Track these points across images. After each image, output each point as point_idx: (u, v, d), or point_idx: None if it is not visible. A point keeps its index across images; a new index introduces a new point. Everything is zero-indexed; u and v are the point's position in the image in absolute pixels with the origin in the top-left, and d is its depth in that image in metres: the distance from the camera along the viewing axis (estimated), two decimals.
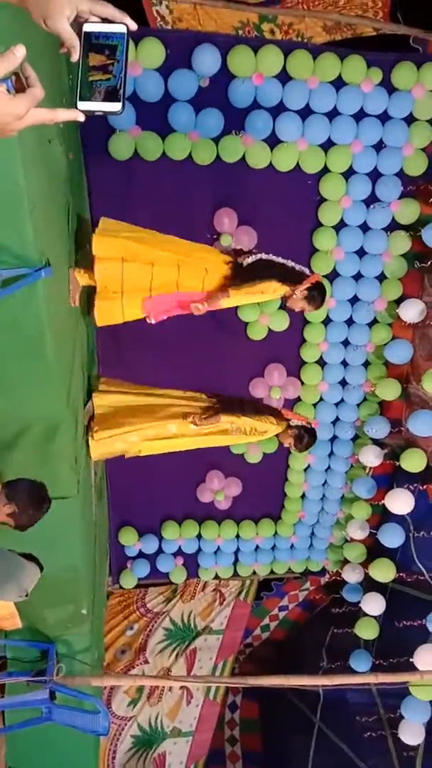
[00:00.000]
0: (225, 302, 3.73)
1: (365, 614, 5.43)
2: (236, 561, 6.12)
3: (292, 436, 4.16)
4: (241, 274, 3.64)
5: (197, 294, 3.71)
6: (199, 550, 5.91)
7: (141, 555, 5.78)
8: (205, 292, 3.69)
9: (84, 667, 4.06)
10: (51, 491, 3.33)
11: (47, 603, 3.83)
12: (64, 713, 3.84)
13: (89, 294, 3.71)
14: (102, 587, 5.21)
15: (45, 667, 3.85)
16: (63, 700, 3.83)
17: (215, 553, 5.97)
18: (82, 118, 1.10)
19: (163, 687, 6.09)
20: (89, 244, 3.52)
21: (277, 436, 4.21)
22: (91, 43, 1.08)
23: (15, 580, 3.00)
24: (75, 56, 1.05)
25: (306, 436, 4.19)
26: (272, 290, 3.71)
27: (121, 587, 5.92)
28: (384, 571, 5.18)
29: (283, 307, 4.93)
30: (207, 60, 4.12)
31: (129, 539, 5.65)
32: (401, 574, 5.13)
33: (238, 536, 5.90)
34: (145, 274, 3.60)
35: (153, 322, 3.80)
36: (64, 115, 1.08)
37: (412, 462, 4.91)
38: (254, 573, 6.31)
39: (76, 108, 1.09)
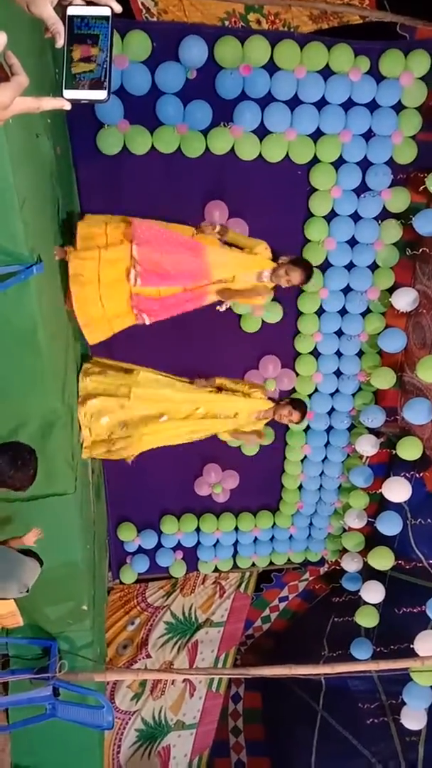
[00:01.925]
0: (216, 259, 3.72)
1: (365, 602, 5.46)
2: (235, 553, 6.14)
3: (285, 407, 4.19)
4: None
5: (188, 240, 3.70)
6: (198, 543, 5.92)
7: (140, 550, 5.80)
8: (195, 237, 3.70)
9: (86, 662, 4.07)
10: (48, 488, 3.34)
11: (48, 600, 3.83)
12: (68, 709, 3.86)
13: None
14: (102, 583, 5.22)
15: (47, 664, 3.86)
16: (66, 696, 3.85)
17: (214, 546, 5.98)
18: (68, 106, 1.10)
19: (166, 680, 6.11)
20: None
21: (273, 415, 4.23)
22: (74, 33, 1.07)
23: (15, 576, 3.00)
24: (60, 42, 1.04)
25: (299, 404, 4.25)
26: (262, 247, 3.79)
27: (121, 582, 5.94)
28: (383, 560, 5.21)
29: (276, 298, 4.95)
30: (194, 52, 4.10)
31: (128, 535, 5.66)
32: (400, 562, 5.16)
33: (236, 528, 5.92)
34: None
35: (148, 319, 3.71)
36: (51, 103, 1.07)
37: (408, 450, 4.93)
38: (253, 565, 6.33)
39: (62, 96, 1.09)
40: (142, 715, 6.00)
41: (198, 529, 5.82)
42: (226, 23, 4.54)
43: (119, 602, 6.10)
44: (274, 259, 3.87)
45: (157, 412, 4.07)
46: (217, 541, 5.94)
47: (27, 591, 3.05)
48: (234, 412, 4.22)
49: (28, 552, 3.14)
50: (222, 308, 3.99)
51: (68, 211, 3.75)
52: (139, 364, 4.46)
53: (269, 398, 4.33)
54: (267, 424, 4.55)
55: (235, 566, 6.24)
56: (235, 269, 3.82)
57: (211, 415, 4.21)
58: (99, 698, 3.96)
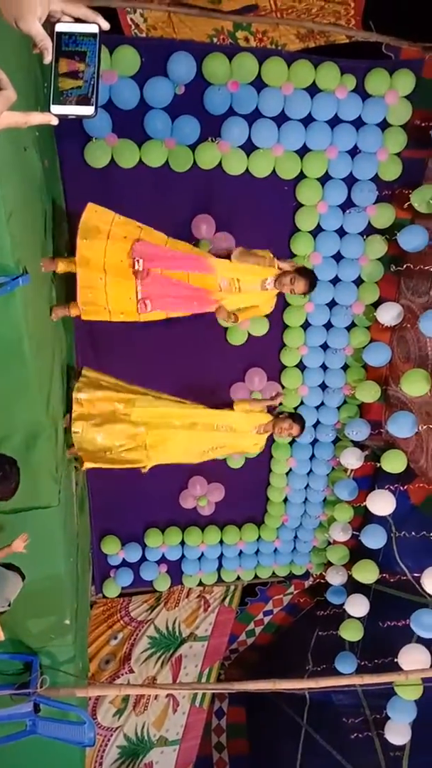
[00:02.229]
0: (225, 265, 3.73)
1: (349, 616, 5.45)
2: (220, 567, 6.11)
3: (285, 420, 4.22)
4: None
5: (188, 256, 3.70)
6: (183, 556, 5.89)
7: (124, 563, 5.75)
8: (195, 254, 3.71)
9: (68, 678, 4.01)
10: (32, 501, 3.31)
11: (30, 614, 3.78)
12: (49, 726, 3.79)
13: (68, 296, 3.69)
14: (85, 597, 5.16)
15: (29, 679, 3.79)
16: (47, 712, 3.78)
17: (199, 559, 5.95)
18: (55, 121, 1.11)
19: (149, 696, 6.05)
20: (67, 252, 3.51)
21: (273, 428, 4.25)
22: (62, 50, 1.08)
23: (5, 588, 2.98)
24: (47, 58, 1.06)
25: (298, 418, 4.29)
26: (269, 256, 3.80)
27: (104, 596, 5.88)
28: (367, 573, 5.21)
29: None
30: (182, 67, 4.14)
31: (112, 548, 5.61)
32: (384, 575, 5.16)
33: (221, 542, 5.90)
34: (132, 230, 3.61)
35: (149, 305, 3.67)
36: (38, 118, 1.08)
37: (393, 463, 4.96)
38: (238, 578, 6.31)
39: (50, 112, 1.09)
40: (125, 731, 5.93)
41: (183, 542, 5.79)
42: (215, 40, 4.60)
43: (102, 616, 6.04)
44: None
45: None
46: (202, 554, 5.92)
47: (9, 605, 3.01)
48: (232, 425, 4.23)
49: (9, 566, 3.10)
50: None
51: (56, 224, 3.75)
52: (127, 378, 4.46)
53: (268, 411, 4.36)
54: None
55: (219, 580, 6.21)
56: (238, 272, 3.84)
57: (209, 426, 4.22)
58: (80, 714, 3.90)
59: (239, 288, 3.85)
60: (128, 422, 4.02)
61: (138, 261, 3.54)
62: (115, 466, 4.11)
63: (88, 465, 3.97)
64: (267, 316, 4.97)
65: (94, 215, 3.50)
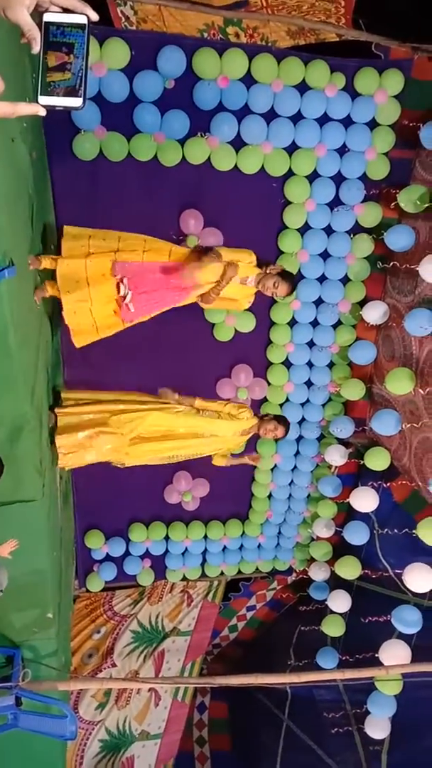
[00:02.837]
0: (206, 274, 3.72)
1: (332, 612, 5.49)
2: (204, 562, 6.13)
3: (271, 422, 4.24)
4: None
5: (164, 264, 3.70)
6: (167, 551, 5.90)
7: (108, 558, 5.75)
8: (172, 261, 3.70)
9: (50, 671, 4.00)
10: (15, 495, 3.29)
11: (12, 607, 3.77)
12: (31, 719, 3.78)
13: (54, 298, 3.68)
14: (68, 591, 5.16)
15: (10, 672, 3.78)
16: (29, 705, 3.77)
17: (183, 554, 5.97)
18: (43, 112, 1.11)
19: (131, 690, 6.05)
20: (54, 245, 3.50)
21: (258, 430, 4.28)
22: (50, 40, 1.08)
23: None
24: (36, 48, 1.05)
25: (283, 421, 4.31)
26: (249, 258, 3.78)
27: (88, 591, 5.88)
28: (350, 569, 5.25)
29: (249, 308, 4.98)
30: (172, 62, 4.13)
31: (95, 542, 5.61)
32: (366, 572, 5.21)
33: (205, 537, 5.91)
34: (111, 243, 3.61)
35: (131, 307, 3.65)
36: (26, 109, 1.08)
37: (376, 460, 4.99)
38: (222, 573, 6.33)
39: (37, 102, 1.09)
40: (106, 725, 5.93)
41: (167, 537, 5.80)
42: (205, 35, 4.59)
43: (85, 610, 6.03)
44: (259, 265, 3.91)
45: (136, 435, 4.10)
46: (186, 549, 5.93)
47: (1, 592, 3.02)
48: (215, 432, 4.24)
49: None
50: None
51: (43, 216, 3.73)
52: (114, 375, 4.46)
53: (254, 415, 4.37)
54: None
55: (203, 575, 6.23)
56: (218, 275, 3.83)
57: (193, 434, 4.23)
58: (62, 708, 3.90)
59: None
60: (110, 433, 4.02)
61: (123, 282, 3.56)
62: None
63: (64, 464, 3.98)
64: (253, 312, 5.01)
65: (66, 269, 3.51)
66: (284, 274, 3.92)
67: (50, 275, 3.51)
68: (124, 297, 3.59)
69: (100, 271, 3.54)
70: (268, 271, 3.88)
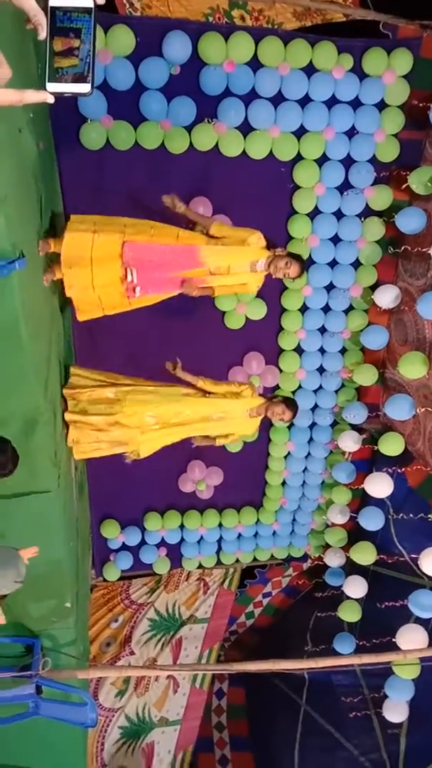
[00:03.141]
0: (209, 254, 3.70)
1: (348, 597, 5.50)
2: (219, 549, 6.16)
3: (279, 404, 4.22)
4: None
5: (173, 246, 3.68)
6: (182, 540, 5.93)
7: (124, 547, 5.79)
8: (181, 243, 3.68)
9: (70, 660, 4.05)
10: (31, 486, 3.31)
11: (31, 597, 3.80)
12: (51, 707, 3.84)
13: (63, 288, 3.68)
14: (85, 580, 5.20)
15: (30, 661, 3.83)
16: (49, 693, 3.82)
17: (198, 542, 5.99)
18: (51, 99, 1.09)
19: (150, 677, 6.12)
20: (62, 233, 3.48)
21: (266, 412, 4.25)
22: (56, 26, 1.07)
23: (13, 566, 3.01)
24: (42, 34, 1.04)
25: (291, 403, 4.28)
26: (257, 238, 3.75)
27: (104, 580, 5.92)
28: (365, 554, 5.25)
29: (259, 295, 4.95)
30: (177, 47, 4.08)
31: (111, 532, 5.64)
32: (382, 557, 5.20)
33: (220, 525, 5.93)
34: (118, 227, 3.59)
35: (137, 291, 3.63)
36: (33, 96, 1.06)
37: (390, 446, 4.97)
38: (237, 561, 6.36)
39: (45, 90, 1.08)
40: (126, 712, 6.00)
41: (182, 526, 5.83)
42: (210, 19, 4.53)
43: (102, 600, 6.09)
44: (268, 248, 3.89)
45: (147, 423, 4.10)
46: (201, 537, 5.95)
47: (21, 582, 3.05)
48: (224, 413, 4.23)
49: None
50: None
51: (51, 207, 3.72)
52: (125, 364, 4.45)
53: (260, 395, 4.36)
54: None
55: (218, 562, 6.26)
56: (229, 259, 3.81)
57: (201, 418, 4.22)
58: (82, 695, 3.94)
59: (228, 270, 3.85)
60: (121, 426, 4.02)
61: (131, 271, 3.53)
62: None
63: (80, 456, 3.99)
64: (264, 299, 4.99)
65: (72, 245, 3.48)
66: (294, 255, 3.90)
67: (59, 258, 3.50)
68: (134, 287, 3.58)
69: (107, 251, 3.50)
70: (277, 254, 3.86)
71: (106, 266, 3.51)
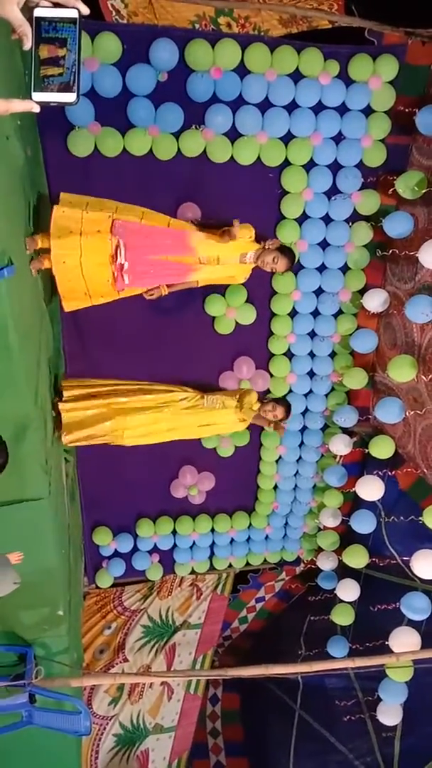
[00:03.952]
0: (200, 241, 3.70)
1: (341, 601, 5.51)
2: (212, 555, 6.15)
3: (267, 404, 4.26)
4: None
5: (170, 235, 3.68)
6: (175, 545, 5.91)
7: (116, 554, 5.76)
8: (177, 229, 3.69)
9: (63, 668, 4.03)
10: (22, 493, 3.30)
11: (23, 606, 3.79)
12: (45, 716, 3.82)
13: (53, 284, 3.68)
14: (78, 588, 5.18)
15: (23, 670, 3.81)
16: (43, 702, 3.80)
17: (191, 548, 5.98)
18: (37, 109, 1.10)
19: (144, 684, 6.09)
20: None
21: (259, 414, 4.30)
22: (42, 37, 1.07)
23: (10, 570, 3.02)
24: (27, 44, 1.04)
25: (282, 402, 4.33)
26: (248, 233, 3.77)
27: (97, 587, 5.90)
28: (357, 558, 5.26)
29: (249, 300, 4.98)
30: (164, 54, 4.10)
31: (103, 539, 5.62)
32: (374, 560, 5.22)
33: (213, 530, 5.92)
34: (109, 210, 3.60)
35: (126, 278, 3.62)
36: (19, 105, 1.07)
37: (381, 449, 4.99)
38: (230, 566, 6.35)
39: (31, 99, 1.09)
40: (120, 720, 5.97)
41: (174, 532, 5.82)
42: (197, 26, 4.56)
43: (95, 607, 6.06)
44: (257, 240, 3.92)
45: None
46: (194, 543, 5.94)
47: (19, 582, 3.06)
48: (217, 421, 4.27)
49: None
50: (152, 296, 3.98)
51: (39, 214, 3.72)
52: (115, 369, 4.46)
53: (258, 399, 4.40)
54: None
55: (211, 568, 6.25)
56: (219, 249, 3.84)
57: (195, 424, 4.26)
58: (76, 704, 3.93)
59: (218, 261, 3.87)
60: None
61: (119, 252, 3.52)
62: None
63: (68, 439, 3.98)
64: (254, 304, 5.01)
65: (62, 216, 3.48)
66: (283, 249, 3.93)
67: (47, 251, 3.50)
68: (122, 266, 3.56)
69: (96, 227, 3.50)
70: (266, 247, 3.89)
71: (94, 242, 3.49)
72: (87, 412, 4.08)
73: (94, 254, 3.50)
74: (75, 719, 3.88)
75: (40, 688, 3.75)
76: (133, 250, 3.57)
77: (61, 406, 3.99)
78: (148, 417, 4.13)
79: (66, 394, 4.17)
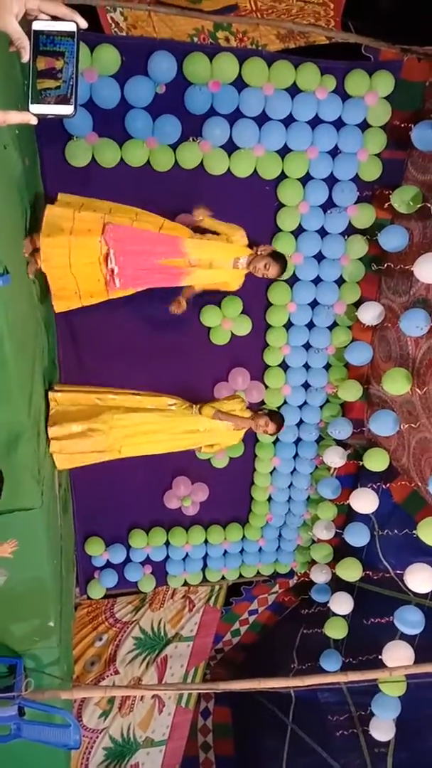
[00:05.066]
0: (198, 247, 3.72)
1: (334, 614, 5.48)
2: (205, 566, 6.12)
3: (262, 417, 4.25)
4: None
5: (161, 240, 3.69)
6: (167, 557, 5.88)
7: (108, 565, 5.73)
8: (163, 232, 3.70)
9: (53, 680, 3.98)
10: (14, 503, 3.28)
11: (13, 617, 3.75)
12: (34, 729, 3.76)
13: (48, 292, 3.68)
14: (69, 599, 5.13)
15: (13, 682, 3.76)
16: (32, 715, 3.75)
17: (183, 559, 5.95)
18: (34, 120, 1.10)
19: (135, 697, 6.03)
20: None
21: (251, 423, 4.29)
22: (40, 50, 1.08)
23: None
24: (25, 57, 1.05)
25: (276, 416, 4.32)
26: (240, 235, 3.81)
27: (89, 598, 5.85)
28: (351, 571, 5.24)
29: (245, 311, 4.99)
30: (163, 67, 4.13)
31: (96, 549, 5.59)
32: (368, 573, 5.19)
33: (206, 542, 5.90)
34: (102, 212, 3.62)
35: (117, 282, 3.62)
36: (17, 117, 1.07)
37: (375, 461, 4.99)
38: (223, 578, 6.31)
39: (28, 111, 1.09)
40: (110, 733, 5.90)
41: (167, 543, 5.79)
42: (195, 40, 4.60)
43: (87, 618, 6.01)
44: (250, 246, 3.93)
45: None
46: (187, 554, 5.91)
47: (6, 576, 3.04)
48: (209, 428, 4.25)
49: None
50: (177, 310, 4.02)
51: (36, 223, 3.72)
52: (110, 380, 4.45)
53: (247, 408, 4.39)
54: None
55: (204, 580, 6.21)
56: (211, 253, 3.85)
57: (186, 431, 4.24)
58: (66, 716, 3.88)
59: (210, 265, 3.89)
60: (102, 433, 4.02)
61: (110, 259, 3.54)
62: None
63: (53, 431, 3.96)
64: (249, 315, 5.02)
65: (53, 214, 3.50)
66: (275, 255, 3.95)
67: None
68: (113, 271, 3.58)
69: (87, 226, 3.52)
70: (259, 252, 3.90)
71: (84, 241, 3.51)
72: (76, 407, 4.05)
73: (82, 253, 3.52)
74: (64, 732, 3.82)
75: (30, 701, 3.70)
76: (125, 255, 3.58)
77: (51, 394, 3.96)
78: (137, 417, 4.10)
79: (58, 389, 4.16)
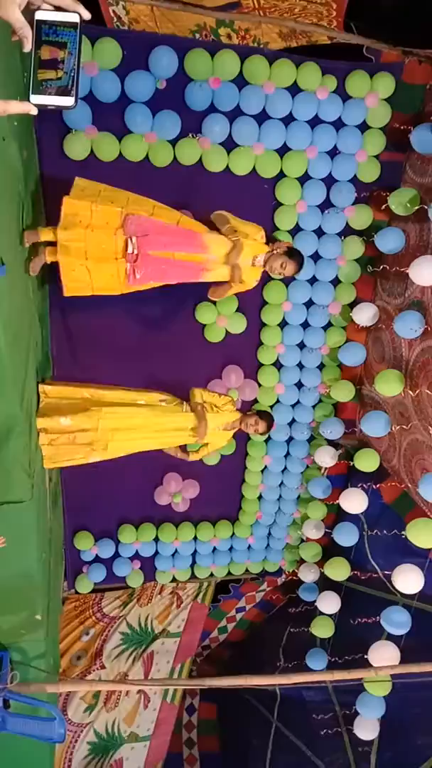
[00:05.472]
0: (219, 243, 3.71)
1: (321, 613, 5.50)
2: (194, 563, 6.12)
3: (252, 416, 4.25)
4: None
5: (184, 233, 3.67)
6: (156, 553, 5.88)
7: (97, 559, 5.72)
8: (181, 226, 3.68)
9: (39, 673, 3.98)
10: (4, 496, 3.27)
11: (0, 609, 3.74)
12: (18, 722, 3.76)
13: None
14: (57, 593, 5.13)
15: None
16: (17, 708, 3.75)
17: (172, 555, 5.95)
18: (34, 111, 1.10)
19: (120, 692, 6.03)
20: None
21: (240, 424, 4.29)
22: (42, 40, 1.08)
23: None
24: (27, 46, 1.05)
25: (265, 416, 4.31)
26: (261, 235, 3.83)
27: (77, 592, 5.85)
28: (339, 570, 5.26)
29: (240, 309, 4.99)
30: (164, 62, 4.12)
31: (85, 544, 5.58)
32: (356, 573, 5.22)
33: (195, 538, 5.90)
34: (121, 201, 3.60)
35: (138, 274, 3.58)
36: (17, 107, 1.07)
37: (366, 462, 5.01)
38: (211, 575, 6.32)
39: (29, 101, 1.09)
40: (95, 727, 5.90)
41: (156, 539, 5.79)
42: (197, 36, 4.59)
43: (74, 612, 6.00)
44: (268, 243, 3.93)
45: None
46: (176, 550, 5.91)
47: None
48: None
49: None
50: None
51: (34, 215, 3.71)
52: (103, 375, 4.44)
53: (237, 409, 4.39)
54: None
55: (193, 576, 6.22)
56: (227, 248, 3.84)
57: (174, 428, 4.23)
58: (51, 710, 3.87)
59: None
60: (89, 431, 3.99)
61: (131, 240, 3.51)
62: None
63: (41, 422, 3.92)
64: (244, 313, 5.02)
65: (71, 208, 3.49)
66: (291, 253, 3.93)
67: (48, 245, 3.49)
68: (135, 259, 3.54)
69: (105, 219, 3.50)
70: (275, 251, 3.89)
71: (101, 237, 3.49)
72: (66, 400, 4.03)
73: (98, 247, 3.51)
74: (49, 726, 3.82)
75: (15, 693, 3.69)
76: (146, 246, 3.56)
77: (41, 387, 3.94)
78: (126, 410, 4.09)
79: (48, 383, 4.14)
